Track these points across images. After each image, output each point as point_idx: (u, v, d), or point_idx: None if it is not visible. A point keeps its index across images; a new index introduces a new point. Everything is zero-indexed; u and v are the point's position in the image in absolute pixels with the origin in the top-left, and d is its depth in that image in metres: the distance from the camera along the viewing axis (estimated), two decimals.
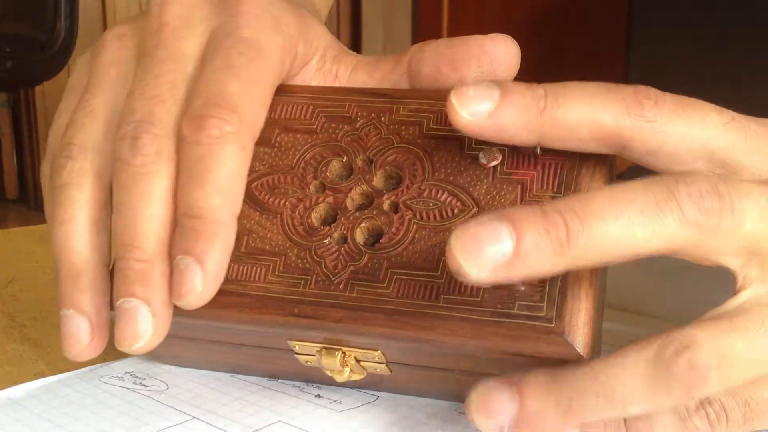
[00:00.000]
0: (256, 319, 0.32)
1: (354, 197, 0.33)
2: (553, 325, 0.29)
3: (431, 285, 0.31)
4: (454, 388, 0.35)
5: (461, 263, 0.27)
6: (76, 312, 0.33)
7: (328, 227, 0.33)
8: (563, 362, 0.30)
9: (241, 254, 0.33)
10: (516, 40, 0.34)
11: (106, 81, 0.35)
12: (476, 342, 0.30)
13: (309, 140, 0.34)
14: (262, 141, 0.34)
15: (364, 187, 0.33)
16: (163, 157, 0.32)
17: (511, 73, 0.35)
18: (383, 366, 0.34)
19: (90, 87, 0.35)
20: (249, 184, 0.34)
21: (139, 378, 0.38)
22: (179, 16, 0.34)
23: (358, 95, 0.35)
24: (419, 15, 2.57)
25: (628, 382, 0.28)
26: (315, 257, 0.32)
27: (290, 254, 0.33)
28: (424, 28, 2.54)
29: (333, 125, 0.34)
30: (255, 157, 0.34)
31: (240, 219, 0.33)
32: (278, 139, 0.35)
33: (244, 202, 0.33)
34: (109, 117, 0.34)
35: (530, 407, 0.29)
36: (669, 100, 0.31)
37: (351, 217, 0.33)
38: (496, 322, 0.30)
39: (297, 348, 0.34)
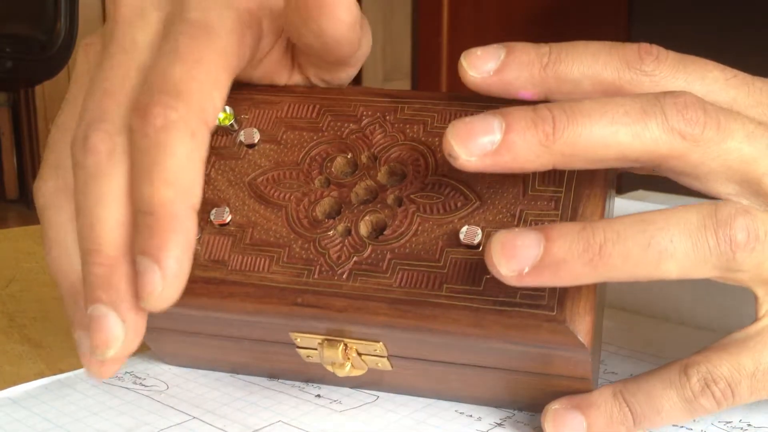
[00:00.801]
0: (259, 309, 0.32)
1: (358, 192, 0.34)
2: (554, 314, 0.29)
3: (434, 275, 0.31)
4: (455, 385, 0.35)
5: (453, 145, 0.29)
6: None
7: (332, 220, 0.33)
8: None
9: (245, 246, 0.33)
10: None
11: (72, 96, 0.34)
12: (478, 330, 0.30)
13: (314, 138, 0.35)
14: (269, 138, 0.35)
15: (369, 182, 0.34)
16: (115, 154, 0.30)
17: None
18: (384, 360, 0.34)
19: (63, 104, 0.35)
20: (255, 178, 0.34)
21: (140, 378, 0.38)
22: (132, 8, 0.32)
23: (363, 95, 0.35)
24: (419, 15, 2.57)
25: (675, 235, 0.28)
26: (319, 248, 0.33)
27: (294, 246, 0.33)
28: (424, 28, 2.54)
29: (339, 123, 0.35)
30: (261, 154, 0.35)
31: (245, 212, 0.33)
32: (284, 136, 0.35)
33: (249, 195, 0.34)
34: None
35: (556, 252, 0.28)
36: (671, 56, 0.31)
37: (355, 211, 0.33)
38: (498, 310, 0.30)
39: (299, 340, 0.34)
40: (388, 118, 0.34)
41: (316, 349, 0.34)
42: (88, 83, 0.32)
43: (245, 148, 0.35)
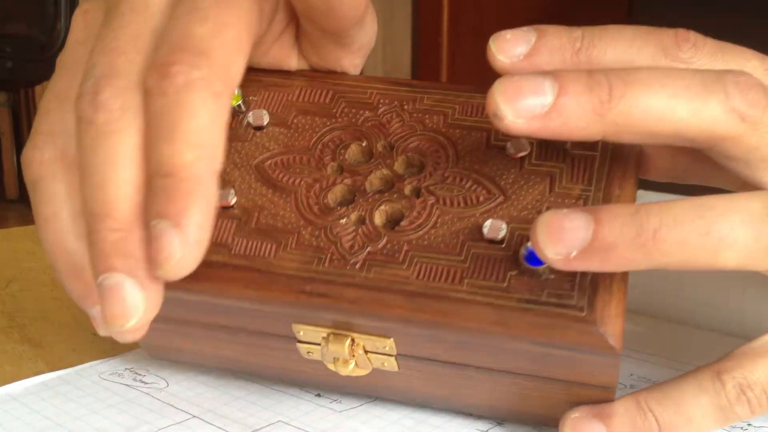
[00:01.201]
0: (263, 296, 0.31)
1: (373, 181, 0.32)
2: (584, 314, 0.28)
3: (454, 268, 0.30)
4: (465, 392, 0.33)
5: (499, 104, 0.27)
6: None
7: (344, 208, 0.32)
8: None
9: (251, 230, 0.32)
10: None
11: (71, 61, 0.32)
12: (500, 329, 0.29)
13: (327, 123, 0.34)
14: (278, 122, 0.34)
15: (385, 171, 0.32)
16: (129, 112, 0.28)
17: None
18: (392, 360, 0.32)
19: (57, 70, 0.33)
20: (262, 162, 0.33)
21: (140, 375, 0.38)
22: None
23: (380, 83, 0.34)
24: (419, 15, 2.56)
25: (736, 222, 0.27)
26: (330, 236, 0.31)
27: (304, 232, 0.31)
28: (424, 29, 2.54)
29: (353, 110, 0.34)
30: (270, 137, 0.33)
31: (251, 195, 0.32)
32: (295, 120, 0.34)
33: (256, 178, 0.32)
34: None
35: (606, 235, 0.27)
36: (709, 43, 0.30)
37: (370, 200, 0.32)
38: (523, 308, 0.28)
39: (301, 334, 0.33)
40: (406, 107, 0.33)
41: (318, 344, 0.33)
42: (91, 45, 0.30)
43: (253, 131, 0.34)
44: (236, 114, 0.34)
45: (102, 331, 0.29)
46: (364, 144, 0.33)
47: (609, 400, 0.31)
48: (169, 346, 0.37)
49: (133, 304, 0.27)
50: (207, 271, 0.30)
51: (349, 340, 0.32)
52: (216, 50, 0.28)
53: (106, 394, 0.36)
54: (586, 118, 0.27)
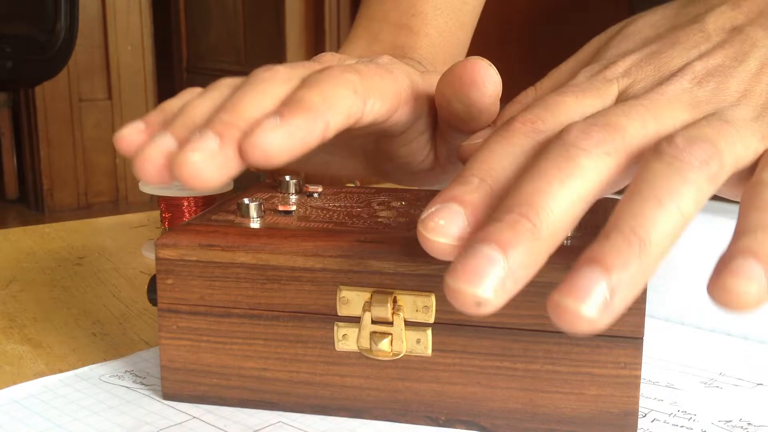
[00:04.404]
0: (319, 246, 0.34)
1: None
2: None
3: None
4: (493, 392, 0.33)
5: (476, 294, 0.26)
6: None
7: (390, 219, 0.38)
8: None
9: (305, 220, 0.37)
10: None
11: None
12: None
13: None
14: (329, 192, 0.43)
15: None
16: None
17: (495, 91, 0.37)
18: (427, 336, 0.33)
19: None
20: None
21: (140, 377, 0.38)
22: None
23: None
24: None
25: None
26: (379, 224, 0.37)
27: (355, 225, 0.37)
28: None
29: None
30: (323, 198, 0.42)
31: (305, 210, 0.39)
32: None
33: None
34: None
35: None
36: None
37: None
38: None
39: (345, 299, 0.34)
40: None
41: (357, 321, 0.34)
42: None
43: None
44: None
45: (143, 156, 0.31)
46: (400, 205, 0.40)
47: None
48: (190, 367, 0.36)
49: (210, 147, 0.30)
50: (268, 231, 0.35)
51: (391, 300, 0.33)
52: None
53: (106, 396, 0.36)
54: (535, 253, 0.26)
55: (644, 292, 0.31)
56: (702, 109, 0.31)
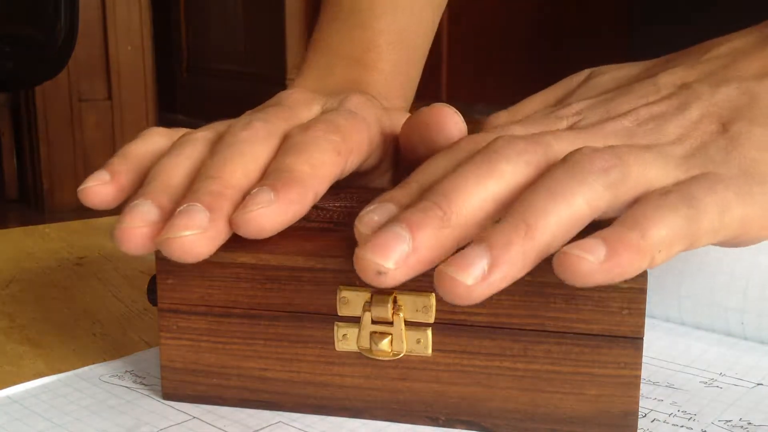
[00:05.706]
0: (318, 247, 0.34)
1: None
2: None
3: None
4: (492, 393, 0.33)
5: (379, 261, 0.29)
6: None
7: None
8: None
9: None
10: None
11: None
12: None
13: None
14: None
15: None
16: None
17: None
18: (428, 336, 0.33)
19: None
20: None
21: (140, 377, 0.38)
22: None
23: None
24: None
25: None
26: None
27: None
28: None
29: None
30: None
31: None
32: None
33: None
34: None
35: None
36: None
37: None
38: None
39: (345, 299, 0.33)
40: None
41: (357, 321, 0.33)
42: None
43: None
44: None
45: (126, 223, 0.32)
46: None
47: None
48: (190, 367, 0.36)
49: (200, 221, 0.31)
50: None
51: (391, 300, 0.33)
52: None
53: (106, 396, 0.36)
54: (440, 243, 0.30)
55: (644, 292, 0.31)
56: (634, 141, 0.33)
